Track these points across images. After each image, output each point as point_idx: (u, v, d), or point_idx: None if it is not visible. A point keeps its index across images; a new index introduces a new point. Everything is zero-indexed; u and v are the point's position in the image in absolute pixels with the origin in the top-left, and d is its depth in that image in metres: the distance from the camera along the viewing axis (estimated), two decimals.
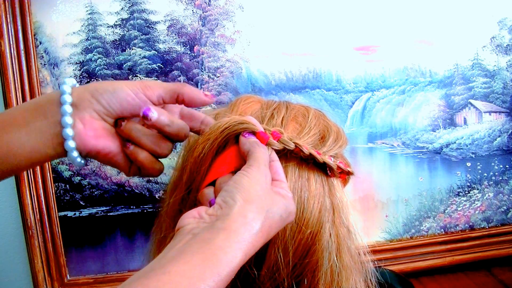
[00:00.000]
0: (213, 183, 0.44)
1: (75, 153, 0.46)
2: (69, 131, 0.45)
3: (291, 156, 0.47)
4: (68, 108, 0.45)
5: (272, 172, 0.43)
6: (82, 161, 0.47)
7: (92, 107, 0.46)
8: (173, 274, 0.32)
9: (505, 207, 1.04)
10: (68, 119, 0.45)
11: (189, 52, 0.91)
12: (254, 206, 0.38)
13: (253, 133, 0.45)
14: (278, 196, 0.41)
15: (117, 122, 0.48)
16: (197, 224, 0.37)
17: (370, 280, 0.49)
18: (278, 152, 0.46)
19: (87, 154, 0.47)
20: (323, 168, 0.48)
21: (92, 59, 0.89)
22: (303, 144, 0.46)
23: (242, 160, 0.44)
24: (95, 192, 0.92)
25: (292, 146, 0.46)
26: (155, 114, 0.46)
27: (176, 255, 0.34)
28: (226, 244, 0.35)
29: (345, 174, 0.49)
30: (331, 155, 0.48)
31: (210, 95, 0.49)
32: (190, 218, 0.38)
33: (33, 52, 0.85)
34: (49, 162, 0.89)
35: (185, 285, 0.32)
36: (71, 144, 0.45)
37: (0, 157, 0.45)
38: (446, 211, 1.02)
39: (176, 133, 0.48)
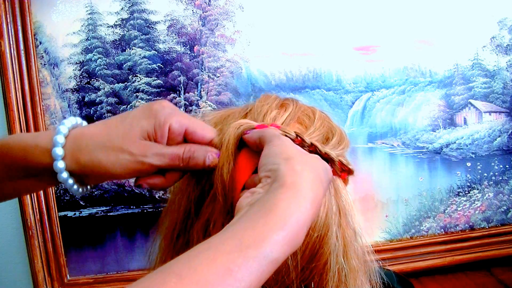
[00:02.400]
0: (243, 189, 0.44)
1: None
2: (77, 193, 0.48)
3: None
4: (74, 187, 0.47)
5: None
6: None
7: (95, 181, 0.49)
8: (236, 230, 0.32)
9: (505, 207, 1.04)
10: (75, 190, 0.47)
11: (189, 52, 0.91)
12: (297, 160, 0.37)
13: (252, 129, 0.46)
14: (311, 155, 0.41)
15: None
16: (253, 197, 0.37)
17: (375, 280, 0.49)
18: None
19: None
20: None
21: (92, 59, 0.89)
22: (304, 136, 0.46)
23: (258, 155, 0.44)
24: (95, 192, 0.92)
25: (293, 135, 0.45)
26: (145, 185, 0.47)
27: (237, 220, 0.34)
28: (287, 196, 0.34)
29: (346, 173, 0.49)
30: None
31: (215, 158, 0.45)
32: (244, 198, 0.38)
33: (33, 52, 0.85)
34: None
35: (251, 236, 0.31)
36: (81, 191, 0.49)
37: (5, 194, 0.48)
38: (446, 211, 1.02)
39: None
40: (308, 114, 0.52)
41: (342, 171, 0.48)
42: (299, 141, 0.46)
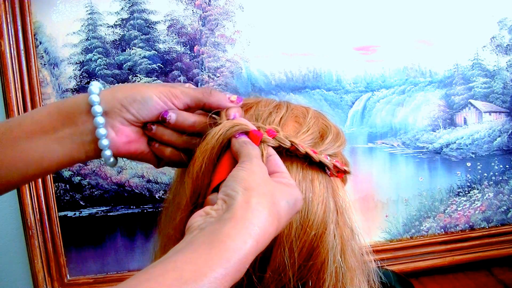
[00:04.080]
0: (216, 189, 0.44)
1: (111, 159, 0.49)
2: (104, 142, 0.47)
3: (288, 155, 0.47)
4: (100, 120, 0.47)
5: (272, 166, 0.44)
6: (115, 161, 0.50)
7: (122, 115, 0.48)
8: (179, 262, 0.32)
9: (505, 207, 1.04)
10: (102, 131, 0.47)
11: (189, 52, 0.91)
12: (255, 192, 0.38)
13: (246, 133, 0.46)
14: (280, 184, 0.41)
15: (147, 125, 0.50)
16: (204, 220, 0.37)
17: (373, 280, 0.49)
18: (277, 151, 0.46)
19: (120, 155, 0.50)
20: (322, 167, 0.48)
21: (92, 59, 0.89)
22: (299, 143, 0.46)
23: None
24: (95, 192, 0.92)
25: (288, 144, 0.46)
26: (173, 117, 0.48)
27: (183, 247, 0.34)
28: (234, 232, 0.34)
29: (342, 173, 0.49)
30: (328, 154, 0.48)
31: (236, 100, 0.50)
32: (197, 217, 0.38)
33: (33, 52, 0.85)
34: None
35: (191, 271, 0.31)
36: (107, 153, 0.48)
37: (26, 162, 0.47)
38: (446, 211, 1.02)
39: (200, 131, 0.50)
40: (302, 112, 0.52)
41: (338, 172, 0.49)
42: (293, 149, 0.46)
